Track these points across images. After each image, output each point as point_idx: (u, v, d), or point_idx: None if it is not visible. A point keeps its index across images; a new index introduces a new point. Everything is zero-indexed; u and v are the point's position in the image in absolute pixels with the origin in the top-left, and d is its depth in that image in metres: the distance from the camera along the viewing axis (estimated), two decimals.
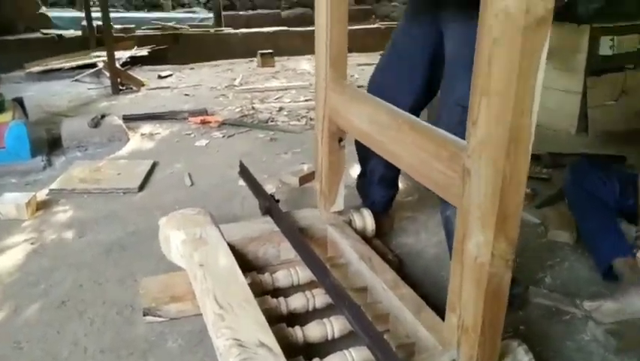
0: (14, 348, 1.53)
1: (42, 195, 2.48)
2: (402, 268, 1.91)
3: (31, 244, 2.08)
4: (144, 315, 1.60)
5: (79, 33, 6.05)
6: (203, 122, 3.61)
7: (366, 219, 1.89)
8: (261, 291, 1.57)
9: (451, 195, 1.12)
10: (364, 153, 1.95)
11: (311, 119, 3.67)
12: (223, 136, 3.38)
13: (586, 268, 1.91)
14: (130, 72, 4.97)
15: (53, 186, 2.55)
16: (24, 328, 1.61)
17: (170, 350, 1.52)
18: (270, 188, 2.57)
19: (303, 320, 1.47)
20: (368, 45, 5.94)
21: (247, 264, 1.70)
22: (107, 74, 4.59)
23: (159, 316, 1.60)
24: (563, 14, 3.13)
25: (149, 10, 9.16)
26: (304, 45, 6.05)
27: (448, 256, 1.53)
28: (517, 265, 1.77)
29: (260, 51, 5.75)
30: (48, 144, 3.09)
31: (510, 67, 0.88)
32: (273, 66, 5.68)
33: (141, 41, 5.98)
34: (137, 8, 9.47)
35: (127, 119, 3.57)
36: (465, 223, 1.06)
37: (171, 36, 6.41)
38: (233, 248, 1.63)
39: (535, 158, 2.73)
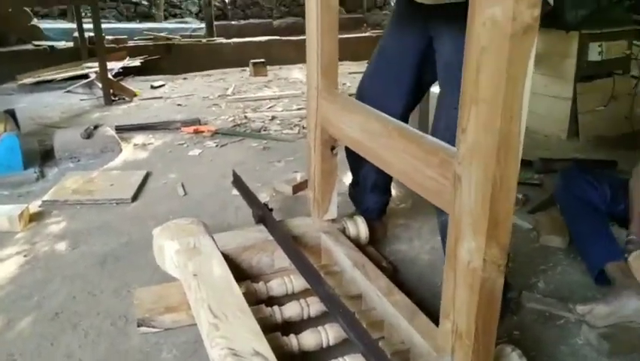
0: None
1: (35, 206, 2.47)
2: (396, 275, 1.91)
3: (24, 256, 2.07)
4: (138, 326, 1.59)
5: (71, 44, 6.05)
6: (196, 132, 3.60)
7: (359, 227, 1.90)
8: (255, 300, 1.57)
9: (443, 202, 1.13)
10: (355, 161, 1.96)
11: (304, 127, 3.68)
12: (216, 145, 3.38)
13: (578, 272, 1.93)
14: (122, 83, 4.95)
15: (46, 197, 2.54)
16: (17, 341, 1.60)
17: (165, 360, 1.52)
18: (263, 197, 2.57)
19: (297, 329, 1.48)
20: (359, 53, 5.96)
21: (241, 273, 1.70)
22: (100, 85, 4.58)
23: (154, 326, 1.59)
24: (552, 21, 3.16)
25: (140, 21, 9.20)
26: (296, 54, 6.06)
27: (441, 263, 1.53)
28: (510, 270, 1.78)
29: (252, 60, 5.77)
30: (40, 155, 3.07)
31: (498, 74, 0.89)
32: (266, 75, 5.69)
33: (133, 52, 5.98)
34: (129, 19, 9.51)
35: (120, 129, 3.57)
36: (457, 229, 1.07)
37: (163, 46, 6.42)
38: (227, 257, 1.63)
39: (527, 164, 2.75)
